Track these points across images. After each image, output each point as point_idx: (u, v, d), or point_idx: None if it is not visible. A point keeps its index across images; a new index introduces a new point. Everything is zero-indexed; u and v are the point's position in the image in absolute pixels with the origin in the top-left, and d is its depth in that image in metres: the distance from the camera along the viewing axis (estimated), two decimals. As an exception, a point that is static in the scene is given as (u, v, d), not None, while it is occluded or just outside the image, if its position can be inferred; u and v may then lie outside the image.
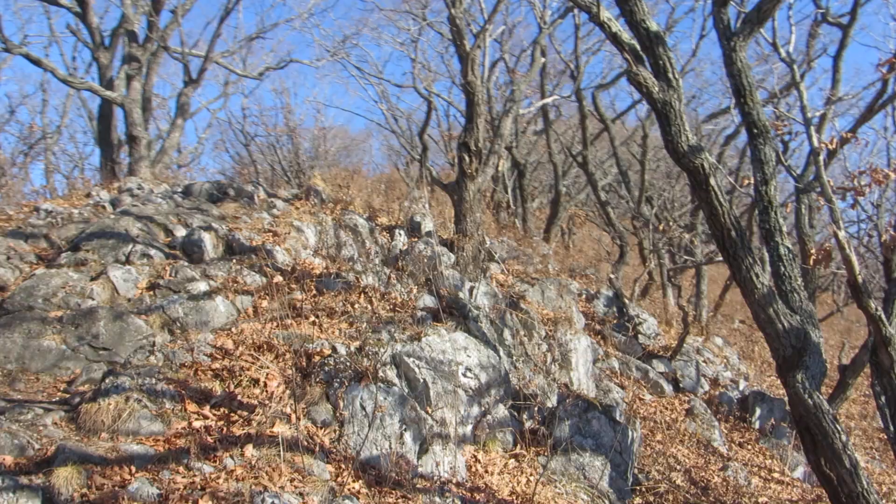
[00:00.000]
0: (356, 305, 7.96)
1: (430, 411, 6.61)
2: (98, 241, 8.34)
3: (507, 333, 9.11)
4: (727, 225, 6.41)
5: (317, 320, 7.51)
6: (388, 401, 6.18)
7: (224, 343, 6.81)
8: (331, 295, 8.15)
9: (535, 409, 7.99)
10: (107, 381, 5.68)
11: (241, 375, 6.14)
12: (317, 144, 23.59)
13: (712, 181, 6.40)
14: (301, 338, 6.95)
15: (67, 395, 6.19)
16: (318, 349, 6.63)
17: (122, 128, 14.52)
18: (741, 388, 14.51)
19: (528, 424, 7.77)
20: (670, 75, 6.46)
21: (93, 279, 7.77)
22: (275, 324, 7.32)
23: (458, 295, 8.55)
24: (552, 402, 8.45)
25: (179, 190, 11.87)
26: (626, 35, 6.61)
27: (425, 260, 10.28)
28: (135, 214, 9.09)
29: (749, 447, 12.25)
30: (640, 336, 14.39)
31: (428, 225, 11.57)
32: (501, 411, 7.49)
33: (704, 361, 15.03)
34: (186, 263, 8.31)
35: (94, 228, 8.55)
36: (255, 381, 6.11)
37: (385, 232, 11.22)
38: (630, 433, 8.19)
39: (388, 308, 8.13)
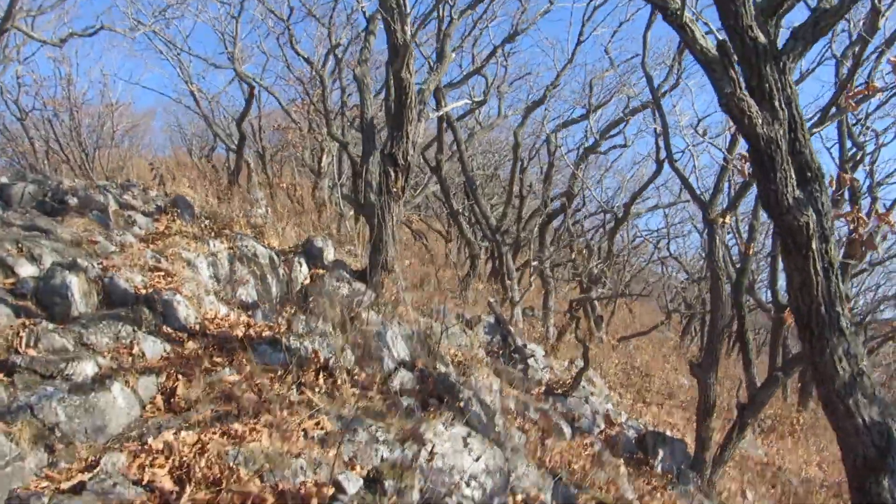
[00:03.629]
0: (315, 390, 5.62)
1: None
2: None
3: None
4: (819, 300, 5.04)
5: (273, 421, 5.12)
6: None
7: (152, 477, 4.30)
8: (271, 374, 5.75)
9: None
10: None
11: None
12: (102, 122, 20.28)
13: (814, 244, 4.99)
14: (268, 459, 4.59)
15: None
16: (311, 488, 4.32)
17: None
18: (631, 425, 13.41)
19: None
20: (777, 104, 4.91)
21: None
22: (210, 430, 4.87)
23: (442, 370, 6.44)
24: None
25: (-16, 191, 8.60)
26: (710, 43, 4.97)
27: (341, 300, 8.05)
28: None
29: (659, 496, 10.98)
30: (529, 370, 12.90)
31: (330, 252, 9.24)
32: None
33: (591, 395, 13.81)
34: (50, 325, 5.49)
35: None
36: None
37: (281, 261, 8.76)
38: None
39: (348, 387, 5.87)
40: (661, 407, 17.22)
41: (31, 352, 5.20)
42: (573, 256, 19.42)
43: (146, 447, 4.69)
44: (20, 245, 6.39)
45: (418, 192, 19.14)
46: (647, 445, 12.20)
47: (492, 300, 14.74)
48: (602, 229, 24.21)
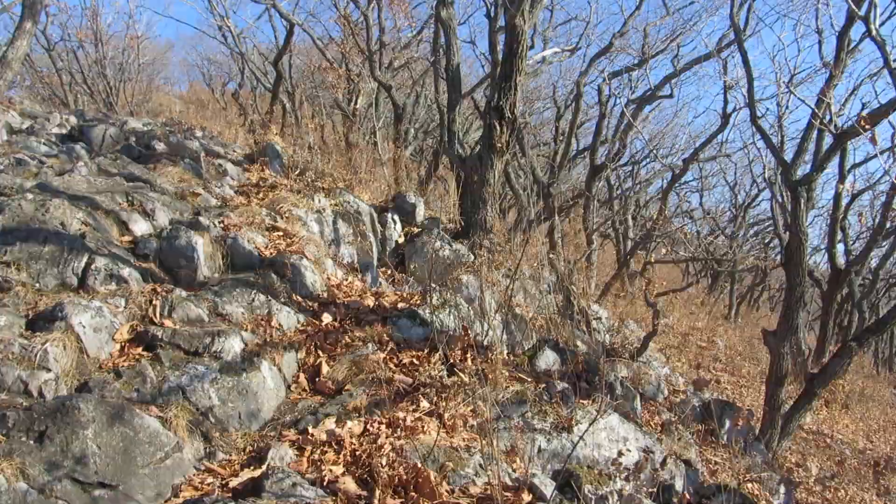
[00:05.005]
0: (465, 373, 5.15)
1: None
2: (22, 245, 4.79)
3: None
4: None
5: (432, 408, 4.67)
6: None
7: (331, 476, 3.86)
8: (415, 352, 5.27)
9: None
10: None
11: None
12: (127, 55, 19.72)
13: None
14: (447, 456, 4.15)
15: None
16: (507, 495, 3.87)
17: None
18: (695, 391, 12.96)
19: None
20: None
21: (34, 325, 4.33)
22: (373, 419, 4.42)
23: (578, 344, 5.97)
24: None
25: (63, 131, 8.02)
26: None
27: (440, 262, 7.57)
28: (60, 191, 5.50)
29: (728, 468, 10.55)
30: (595, 334, 12.41)
31: (421, 209, 8.70)
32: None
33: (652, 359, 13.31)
34: (182, 292, 4.99)
35: (7, 219, 4.93)
36: None
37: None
38: None
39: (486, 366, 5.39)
40: (706, 370, 16.80)
41: (168, 323, 4.72)
42: (631, 215, 18.82)
43: (309, 437, 4.25)
44: (130, 198, 5.85)
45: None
46: (715, 414, 11.77)
47: (552, 256, 14.22)
48: (634, 182, 23.42)
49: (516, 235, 14.63)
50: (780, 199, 16.50)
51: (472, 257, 7.98)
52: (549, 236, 16.55)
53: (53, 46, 18.41)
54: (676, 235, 17.42)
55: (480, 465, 4.22)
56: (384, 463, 3.96)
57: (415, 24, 19.12)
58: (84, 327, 4.33)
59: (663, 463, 4.93)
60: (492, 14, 11.63)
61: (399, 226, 8.16)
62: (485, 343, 5.36)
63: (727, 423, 11.47)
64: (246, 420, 4.36)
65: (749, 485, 9.19)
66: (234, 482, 3.85)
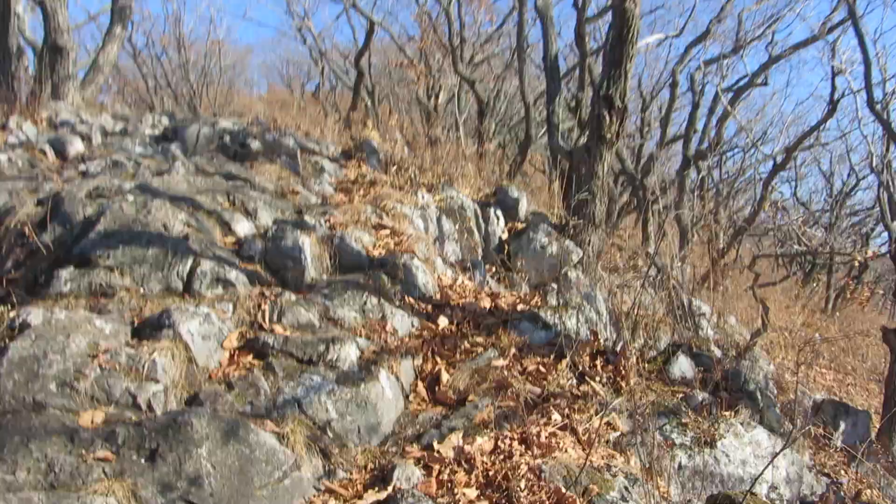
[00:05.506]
0: (596, 382, 4.67)
1: None
2: (125, 249, 4.52)
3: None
4: None
5: (566, 422, 4.21)
6: None
7: (461, 498, 3.44)
8: (540, 358, 4.82)
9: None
10: None
11: None
12: (209, 60, 19.96)
13: None
14: (589, 477, 3.69)
15: None
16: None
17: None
18: (803, 391, 12.04)
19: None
20: None
21: (140, 332, 4.05)
22: (502, 434, 3.99)
23: (716, 352, 5.42)
24: None
25: (156, 132, 7.85)
26: None
27: (548, 258, 7.09)
28: (161, 192, 5.24)
29: (843, 473, 9.60)
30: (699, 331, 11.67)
31: (524, 203, 8.23)
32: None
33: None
34: (292, 296, 4.66)
35: (109, 222, 4.68)
36: None
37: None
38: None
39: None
40: (811, 368, 15.77)
41: (279, 329, 4.39)
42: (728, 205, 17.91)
43: (435, 454, 3.84)
44: (231, 197, 5.57)
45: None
46: (827, 416, 10.91)
47: (650, 251, 13.54)
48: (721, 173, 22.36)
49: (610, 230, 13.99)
50: (889, 188, 15.45)
51: (581, 253, 7.49)
52: (643, 230, 15.83)
53: (139, 53, 18.75)
54: (787, 227, 16.48)
55: (626, 489, 3.75)
56: (523, 486, 3.52)
57: (494, 18, 18.72)
58: (192, 335, 4.03)
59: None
60: (579, 3, 11.08)
61: (502, 221, 7.72)
62: (616, 349, 4.86)
63: (841, 426, 10.59)
64: (365, 434, 3.99)
65: (868, 491, 8.37)
66: (359, 505, 3.47)
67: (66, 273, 4.34)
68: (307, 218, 5.32)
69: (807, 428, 6.35)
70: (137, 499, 3.21)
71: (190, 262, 4.54)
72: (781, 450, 4.10)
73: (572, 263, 7.36)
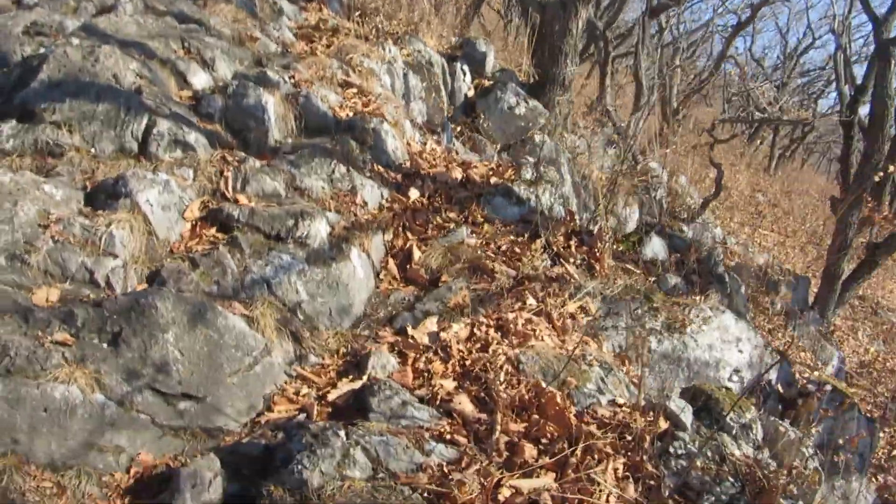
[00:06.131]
0: (569, 263, 4.59)
1: None
2: (72, 102, 4.12)
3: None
4: None
5: (541, 307, 4.15)
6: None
7: (444, 394, 3.39)
8: (513, 236, 4.69)
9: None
10: None
11: None
12: None
13: None
14: (568, 370, 3.67)
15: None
16: (639, 420, 3.38)
17: None
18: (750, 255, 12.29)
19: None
20: None
21: (93, 199, 3.76)
22: (478, 319, 3.93)
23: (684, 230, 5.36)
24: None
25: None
26: None
27: (515, 119, 6.86)
28: (109, 35, 4.75)
29: (780, 335, 9.98)
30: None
31: (491, 58, 7.84)
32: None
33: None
34: (256, 162, 4.36)
35: (53, 69, 4.23)
36: None
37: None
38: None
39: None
40: (754, 230, 16.15)
41: (243, 199, 4.12)
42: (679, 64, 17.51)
43: (409, 340, 3.75)
44: (185, 44, 5.09)
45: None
46: (769, 280, 11.27)
47: (610, 108, 13.30)
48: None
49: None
50: (846, 52, 15.29)
51: (548, 115, 7.22)
52: (601, 83, 15.48)
53: None
54: (745, 90, 16.34)
55: (601, 379, 3.73)
56: (502, 379, 3.46)
57: None
58: (151, 205, 3.75)
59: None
60: None
61: (469, 77, 7.34)
62: (591, 229, 4.74)
63: (782, 290, 10.94)
64: (337, 317, 3.85)
65: (802, 354, 8.77)
66: (332, 395, 3.39)
67: (7, 128, 3.94)
68: (269, 73, 4.90)
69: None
70: (101, 386, 3.05)
71: (145, 120, 4.17)
72: (773, 365, 4.12)
73: (538, 126, 7.12)
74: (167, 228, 3.82)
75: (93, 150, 4.04)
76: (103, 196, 3.76)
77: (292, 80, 4.98)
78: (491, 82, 7.39)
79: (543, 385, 3.42)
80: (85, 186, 3.85)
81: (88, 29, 4.77)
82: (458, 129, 6.90)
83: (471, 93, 7.35)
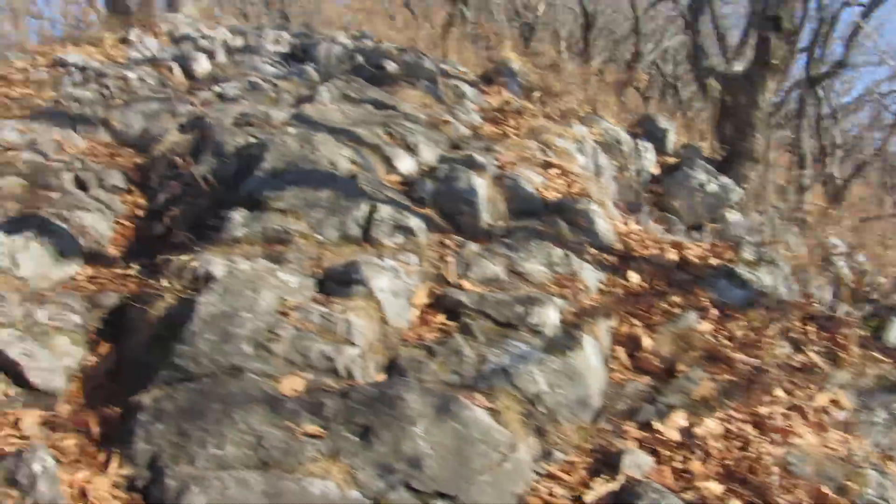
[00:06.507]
0: (815, 350, 4.19)
1: None
2: (296, 189, 4.13)
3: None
4: None
5: (790, 400, 3.76)
6: None
7: (707, 494, 3.04)
8: (742, 321, 4.34)
9: None
10: None
11: None
12: None
13: None
14: (843, 471, 3.24)
15: None
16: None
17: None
18: None
19: None
20: None
21: (325, 287, 3.69)
22: (735, 418, 3.56)
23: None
24: None
25: (281, 49, 7.39)
26: None
27: (706, 198, 6.53)
28: (318, 123, 4.81)
29: None
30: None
31: (672, 135, 7.60)
32: None
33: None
34: (473, 245, 4.23)
35: (275, 158, 4.27)
36: None
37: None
38: None
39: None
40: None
41: (467, 284, 3.98)
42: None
43: (657, 436, 3.43)
44: (388, 130, 5.12)
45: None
46: None
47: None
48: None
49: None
50: None
51: (740, 193, 6.89)
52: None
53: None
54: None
55: (879, 484, 3.30)
56: (777, 483, 3.10)
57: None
58: (384, 292, 3.64)
59: None
60: None
61: (652, 155, 7.13)
62: (832, 314, 4.35)
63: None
64: (576, 409, 3.59)
65: None
66: (589, 497, 3.11)
67: (238, 216, 3.97)
68: (476, 156, 4.83)
69: None
70: (356, 482, 2.88)
71: (365, 205, 4.13)
72: None
73: (730, 203, 6.79)
74: (398, 315, 3.71)
75: (318, 236, 4.02)
76: (335, 283, 3.70)
77: (497, 163, 4.89)
78: (676, 159, 7.14)
79: (826, 491, 3.03)
80: (314, 273, 3.81)
81: (301, 118, 4.86)
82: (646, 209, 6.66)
83: (656, 170, 7.12)
